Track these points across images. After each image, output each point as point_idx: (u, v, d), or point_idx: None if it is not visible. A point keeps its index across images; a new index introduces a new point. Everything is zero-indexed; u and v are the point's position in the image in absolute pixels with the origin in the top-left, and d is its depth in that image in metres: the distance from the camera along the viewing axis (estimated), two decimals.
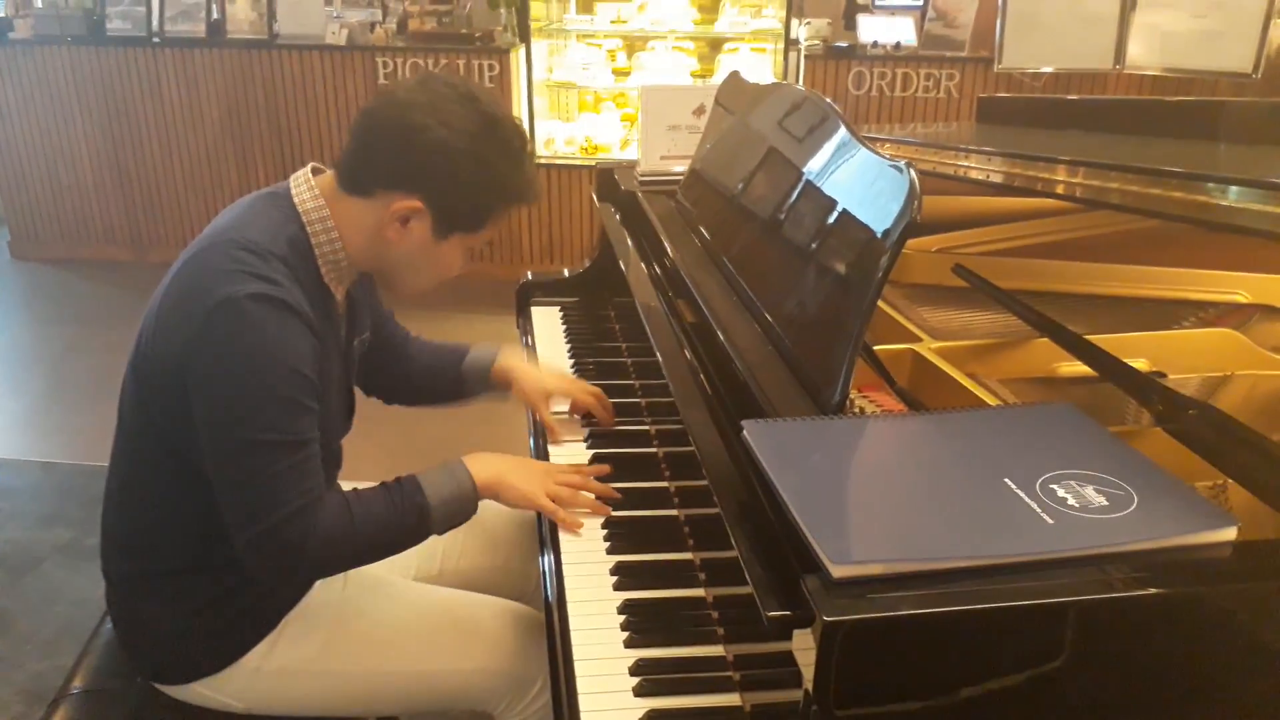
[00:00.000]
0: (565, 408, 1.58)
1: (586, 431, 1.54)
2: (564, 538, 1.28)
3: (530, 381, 1.57)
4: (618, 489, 1.36)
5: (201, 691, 1.29)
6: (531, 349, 1.89)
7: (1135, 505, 0.81)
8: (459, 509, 1.27)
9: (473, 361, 1.59)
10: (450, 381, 1.59)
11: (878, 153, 1.13)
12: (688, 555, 1.25)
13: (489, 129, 1.20)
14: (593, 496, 1.34)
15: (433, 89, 1.20)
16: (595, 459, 1.47)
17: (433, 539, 1.54)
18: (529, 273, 2.12)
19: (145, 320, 1.22)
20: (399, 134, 1.18)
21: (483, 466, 1.29)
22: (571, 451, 1.50)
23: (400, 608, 1.37)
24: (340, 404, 1.35)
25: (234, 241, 1.16)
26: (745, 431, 0.94)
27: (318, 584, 1.35)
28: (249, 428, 1.11)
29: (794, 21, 4.30)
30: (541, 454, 1.52)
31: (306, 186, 1.24)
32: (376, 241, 1.24)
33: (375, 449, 1.43)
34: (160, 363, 1.17)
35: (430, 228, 1.22)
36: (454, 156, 1.18)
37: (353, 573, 1.38)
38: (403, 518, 1.22)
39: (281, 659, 1.29)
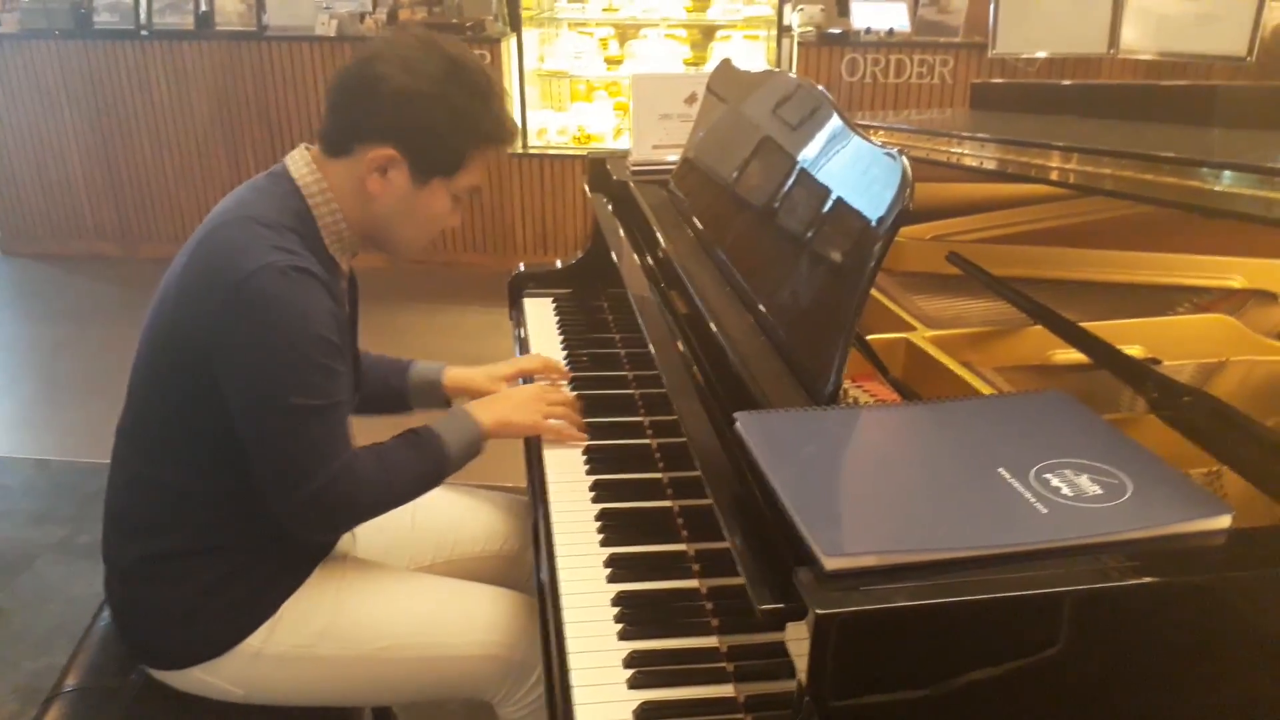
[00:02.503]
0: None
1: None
2: (557, 530, 1.27)
3: (479, 378, 1.63)
4: (611, 480, 1.36)
5: (200, 677, 1.29)
6: (525, 341, 1.88)
7: (1130, 493, 0.80)
8: (470, 450, 1.37)
9: (420, 374, 1.62)
10: (394, 394, 1.62)
11: (870, 140, 1.12)
12: (681, 547, 1.24)
13: (452, 70, 1.23)
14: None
15: (397, 40, 1.26)
16: (589, 450, 1.46)
17: (426, 531, 1.55)
18: (522, 264, 2.11)
19: (161, 303, 1.25)
20: (365, 86, 1.23)
21: (487, 412, 1.40)
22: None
23: (399, 594, 1.37)
24: (351, 374, 1.37)
25: (247, 218, 1.21)
26: (738, 423, 0.93)
27: (317, 570, 1.36)
28: (290, 393, 1.16)
29: (787, 8, 4.29)
30: (536, 444, 1.51)
31: (304, 162, 1.29)
32: (363, 199, 1.27)
33: (363, 439, 1.42)
34: (185, 342, 1.20)
35: (408, 175, 1.26)
36: (418, 100, 1.22)
37: (351, 559, 1.41)
38: (427, 468, 1.32)
39: (281, 644, 1.29)
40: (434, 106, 1.23)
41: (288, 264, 1.17)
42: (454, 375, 1.64)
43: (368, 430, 1.38)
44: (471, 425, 1.37)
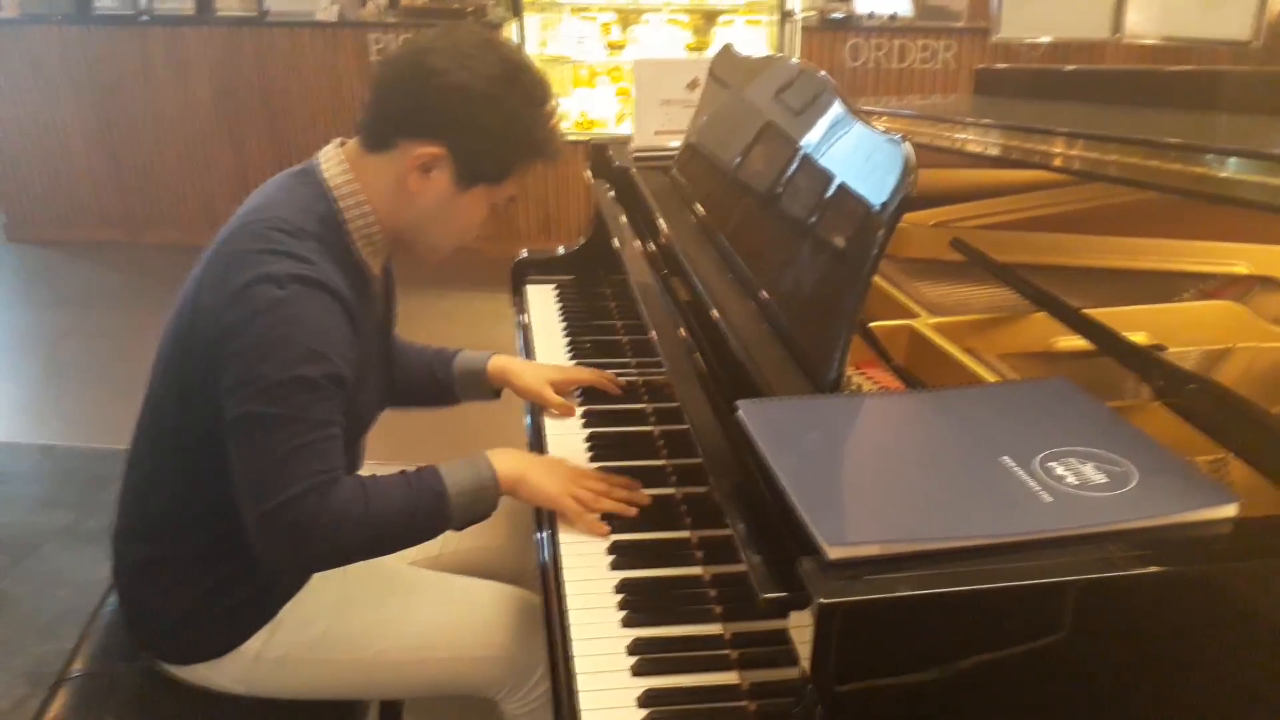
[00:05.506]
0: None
1: (582, 407, 1.54)
2: (560, 517, 1.27)
3: (529, 373, 1.57)
4: (615, 468, 1.36)
5: (204, 673, 1.30)
6: (527, 328, 1.88)
7: (1135, 482, 0.80)
8: (478, 501, 1.23)
9: (464, 364, 1.57)
10: (438, 385, 1.57)
11: (873, 126, 1.12)
12: (685, 534, 1.24)
13: (512, 75, 1.18)
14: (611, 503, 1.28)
15: (454, 34, 1.19)
16: (592, 437, 1.46)
17: None
18: (524, 250, 2.11)
19: (181, 301, 1.22)
20: (418, 78, 1.17)
21: (507, 461, 1.26)
22: (568, 430, 1.49)
23: (400, 595, 1.37)
24: (379, 382, 1.34)
25: (265, 221, 1.17)
26: (740, 412, 0.93)
27: (317, 574, 1.34)
28: (267, 403, 1.11)
29: None
30: (538, 435, 1.51)
31: (335, 160, 1.24)
32: (399, 196, 1.22)
33: (382, 440, 1.42)
34: (192, 343, 1.17)
35: (452, 177, 1.21)
36: (476, 100, 1.16)
37: None
38: (419, 506, 1.19)
39: (281, 647, 1.29)
40: (490, 108, 1.16)
41: (292, 273, 1.12)
42: (499, 362, 1.57)
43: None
44: (484, 469, 1.24)
